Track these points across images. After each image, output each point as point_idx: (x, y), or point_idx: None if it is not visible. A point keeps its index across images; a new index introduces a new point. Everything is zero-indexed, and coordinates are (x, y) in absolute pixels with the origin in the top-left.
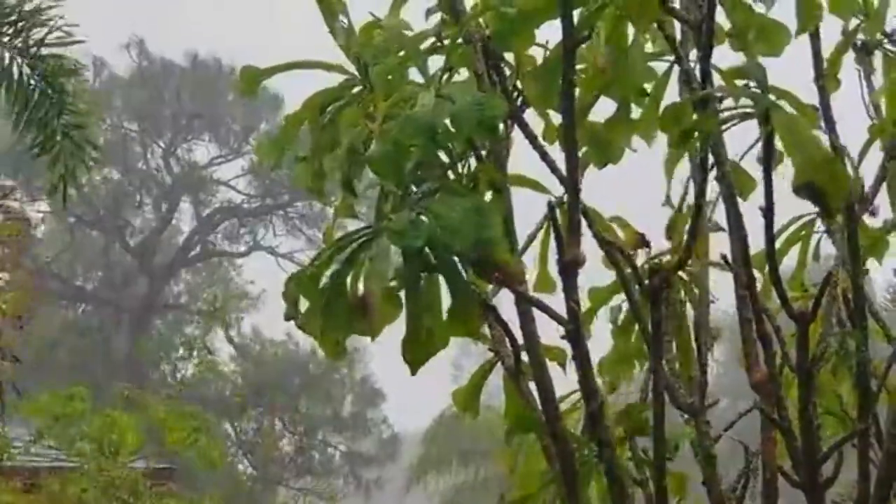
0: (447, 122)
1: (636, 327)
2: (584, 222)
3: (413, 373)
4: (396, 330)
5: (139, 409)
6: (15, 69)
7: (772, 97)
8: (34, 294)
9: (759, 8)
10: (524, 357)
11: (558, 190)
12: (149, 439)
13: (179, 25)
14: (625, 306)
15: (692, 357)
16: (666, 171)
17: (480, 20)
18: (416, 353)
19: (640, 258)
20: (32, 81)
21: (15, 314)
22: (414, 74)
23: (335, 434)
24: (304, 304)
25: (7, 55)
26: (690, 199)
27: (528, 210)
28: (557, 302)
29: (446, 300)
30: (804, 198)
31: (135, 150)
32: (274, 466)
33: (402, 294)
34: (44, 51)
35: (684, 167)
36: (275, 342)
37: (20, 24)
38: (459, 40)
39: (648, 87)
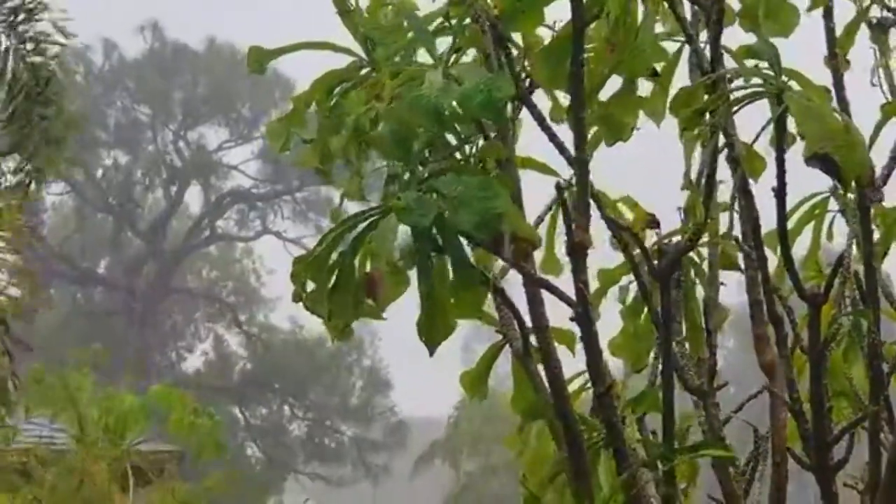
0: (454, 103)
1: (646, 308)
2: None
3: (431, 353)
4: (405, 316)
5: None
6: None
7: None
8: (39, 283)
9: None
10: (533, 339)
11: (566, 173)
12: (155, 423)
13: (199, 10)
14: (633, 287)
15: (701, 339)
16: (685, 155)
17: (488, 0)
18: (433, 332)
19: (649, 239)
20: (24, 76)
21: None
22: (421, 55)
23: (344, 421)
24: (311, 286)
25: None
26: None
27: (532, 195)
28: (565, 283)
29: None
30: (816, 167)
31: (146, 133)
32: (283, 452)
33: (411, 273)
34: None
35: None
36: (283, 329)
37: (12, 18)
38: (467, 21)
39: (658, 67)
